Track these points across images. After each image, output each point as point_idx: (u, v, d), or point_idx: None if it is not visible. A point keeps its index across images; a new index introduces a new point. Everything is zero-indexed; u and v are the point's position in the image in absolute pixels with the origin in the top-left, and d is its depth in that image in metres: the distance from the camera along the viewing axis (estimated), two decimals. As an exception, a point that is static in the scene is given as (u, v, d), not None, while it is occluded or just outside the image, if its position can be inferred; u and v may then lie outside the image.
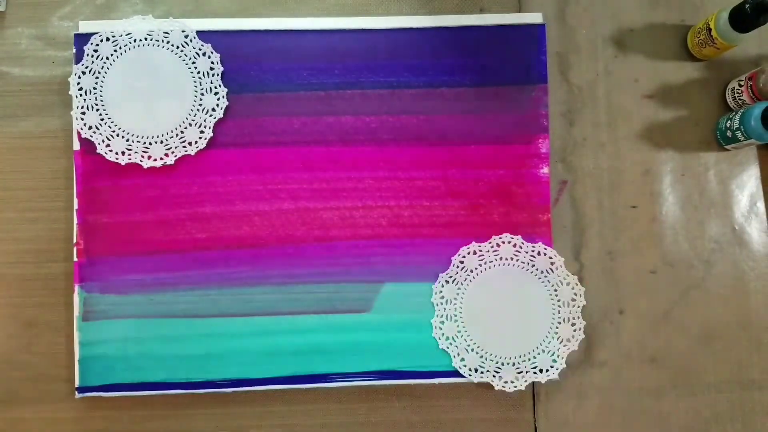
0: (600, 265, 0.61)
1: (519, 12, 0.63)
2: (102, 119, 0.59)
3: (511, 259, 0.59)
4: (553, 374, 0.58)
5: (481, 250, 0.59)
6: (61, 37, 0.62)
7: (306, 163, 0.60)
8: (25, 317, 0.59)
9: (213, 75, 0.59)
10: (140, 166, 0.59)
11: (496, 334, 0.59)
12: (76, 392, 0.58)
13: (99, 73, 0.59)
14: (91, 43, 0.59)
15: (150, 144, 0.59)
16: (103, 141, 0.59)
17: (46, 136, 0.61)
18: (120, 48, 0.59)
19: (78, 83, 0.59)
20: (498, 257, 0.59)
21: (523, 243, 0.59)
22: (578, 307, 0.59)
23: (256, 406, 0.60)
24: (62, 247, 0.60)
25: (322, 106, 0.60)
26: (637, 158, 0.62)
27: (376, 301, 0.59)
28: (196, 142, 0.59)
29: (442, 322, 0.59)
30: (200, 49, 0.59)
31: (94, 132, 0.59)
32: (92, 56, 0.59)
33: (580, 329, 0.59)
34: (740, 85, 0.60)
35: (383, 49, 0.61)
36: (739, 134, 0.58)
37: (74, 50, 0.59)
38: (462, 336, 0.58)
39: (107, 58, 0.59)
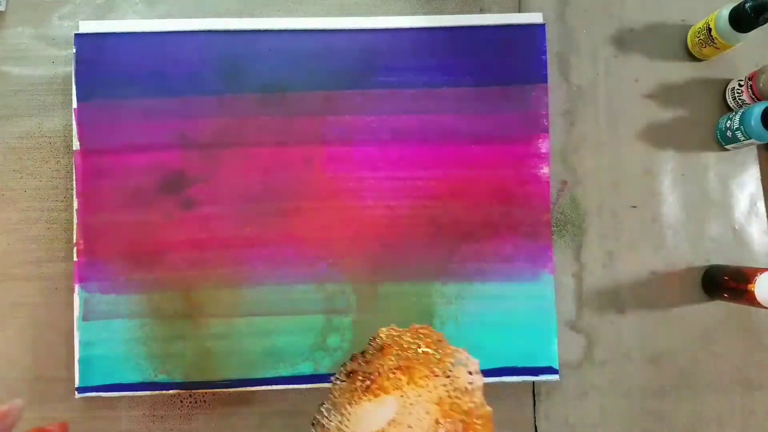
0: (600, 265, 0.61)
1: (519, 12, 0.63)
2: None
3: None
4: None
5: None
6: (61, 36, 0.62)
7: (306, 163, 0.60)
8: (24, 317, 0.59)
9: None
10: (140, 165, 0.59)
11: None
12: (76, 392, 0.58)
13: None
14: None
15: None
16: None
17: (46, 136, 0.61)
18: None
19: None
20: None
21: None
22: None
23: (255, 406, 0.60)
24: (62, 247, 0.60)
25: (322, 106, 0.60)
26: (637, 158, 0.62)
27: (376, 301, 0.59)
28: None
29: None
30: None
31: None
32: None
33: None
34: (740, 85, 0.60)
35: (383, 49, 0.61)
36: (739, 134, 0.58)
37: (74, 50, 0.59)
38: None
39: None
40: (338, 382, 0.43)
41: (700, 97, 0.63)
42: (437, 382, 0.41)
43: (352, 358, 0.44)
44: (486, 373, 0.58)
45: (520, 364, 0.59)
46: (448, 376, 0.42)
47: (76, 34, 0.60)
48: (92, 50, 0.59)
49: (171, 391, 0.58)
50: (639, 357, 0.61)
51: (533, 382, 0.60)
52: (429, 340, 0.44)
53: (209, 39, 0.60)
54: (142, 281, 0.58)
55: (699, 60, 0.63)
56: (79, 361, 0.57)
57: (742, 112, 0.58)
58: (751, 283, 0.54)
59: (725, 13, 0.57)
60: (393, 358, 0.43)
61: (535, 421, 0.60)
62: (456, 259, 0.59)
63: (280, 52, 0.60)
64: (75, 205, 0.59)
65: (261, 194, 0.59)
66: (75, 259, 0.58)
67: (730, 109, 0.62)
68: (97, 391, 0.57)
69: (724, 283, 0.58)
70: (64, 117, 0.61)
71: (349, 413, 0.41)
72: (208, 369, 0.58)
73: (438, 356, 0.43)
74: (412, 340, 0.44)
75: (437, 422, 0.40)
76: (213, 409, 0.59)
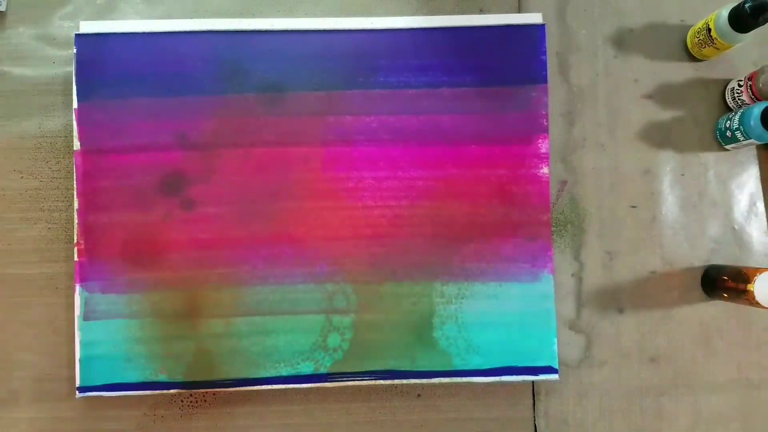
0: (600, 265, 0.62)
1: (519, 12, 0.63)
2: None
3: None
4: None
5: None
6: (61, 37, 0.62)
7: (306, 163, 0.60)
8: (25, 317, 0.59)
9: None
10: (140, 165, 0.59)
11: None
12: (77, 392, 0.58)
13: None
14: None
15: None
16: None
17: (46, 136, 0.61)
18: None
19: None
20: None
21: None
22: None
23: (256, 406, 0.60)
24: (63, 247, 0.60)
25: (322, 106, 0.60)
26: (636, 158, 0.63)
27: (376, 301, 0.59)
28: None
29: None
30: None
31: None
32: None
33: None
34: (740, 86, 0.60)
35: (383, 49, 0.61)
36: (738, 134, 0.58)
37: (75, 50, 0.59)
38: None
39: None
40: None
41: (700, 98, 0.63)
42: None
43: None
44: (486, 372, 0.58)
45: (519, 364, 0.59)
46: None
47: (76, 35, 0.60)
48: (93, 50, 0.60)
49: (171, 391, 0.58)
50: (638, 356, 0.61)
51: (533, 382, 0.60)
52: None
53: (209, 39, 0.60)
54: (143, 281, 0.58)
55: (698, 60, 0.63)
56: (80, 361, 0.58)
57: (742, 113, 0.58)
58: (750, 282, 0.54)
59: (725, 13, 0.57)
60: None
61: (534, 420, 0.60)
62: (456, 259, 0.59)
63: (280, 52, 0.61)
64: (75, 205, 0.59)
65: (261, 194, 0.60)
66: (76, 259, 0.58)
67: (729, 109, 0.62)
68: (98, 391, 0.58)
69: (724, 282, 0.58)
70: (64, 117, 0.61)
71: None
72: (209, 369, 0.58)
73: None
74: None
75: None
76: (213, 408, 0.60)
